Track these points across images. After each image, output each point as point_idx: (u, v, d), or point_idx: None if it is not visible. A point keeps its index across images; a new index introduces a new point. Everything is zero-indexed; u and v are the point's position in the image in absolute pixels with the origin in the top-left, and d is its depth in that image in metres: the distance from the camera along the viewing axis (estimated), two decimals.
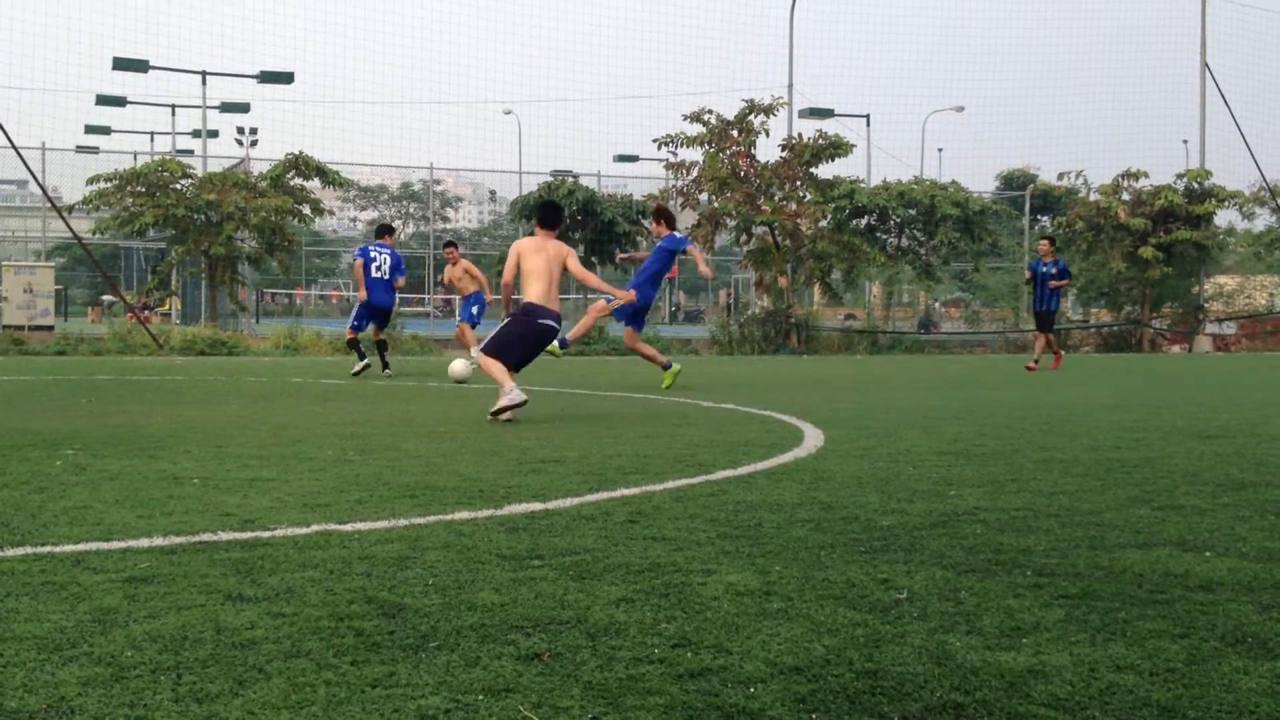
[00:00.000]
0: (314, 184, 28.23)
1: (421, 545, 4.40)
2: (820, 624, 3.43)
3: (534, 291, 9.62)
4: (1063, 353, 20.47)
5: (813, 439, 8.06)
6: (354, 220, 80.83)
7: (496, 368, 9.43)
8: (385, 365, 15.99)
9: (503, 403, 9.18)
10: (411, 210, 78.72)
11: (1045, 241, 19.82)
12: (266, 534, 4.61)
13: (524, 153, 52.41)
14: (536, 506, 5.28)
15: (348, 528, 4.75)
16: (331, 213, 39.78)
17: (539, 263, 9.62)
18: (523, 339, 9.69)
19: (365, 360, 15.67)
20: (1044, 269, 19.04)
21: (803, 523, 4.96)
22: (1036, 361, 18.84)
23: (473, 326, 19.07)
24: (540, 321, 9.67)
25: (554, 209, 10.18)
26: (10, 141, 21.73)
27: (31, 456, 6.79)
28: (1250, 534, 4.75)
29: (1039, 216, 43.53)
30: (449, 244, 19.99)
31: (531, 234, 9.97)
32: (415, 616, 3.44)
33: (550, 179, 32.95)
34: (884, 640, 3.28)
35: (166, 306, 34.96)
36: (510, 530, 4.73)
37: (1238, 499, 5.60)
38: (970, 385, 14.86)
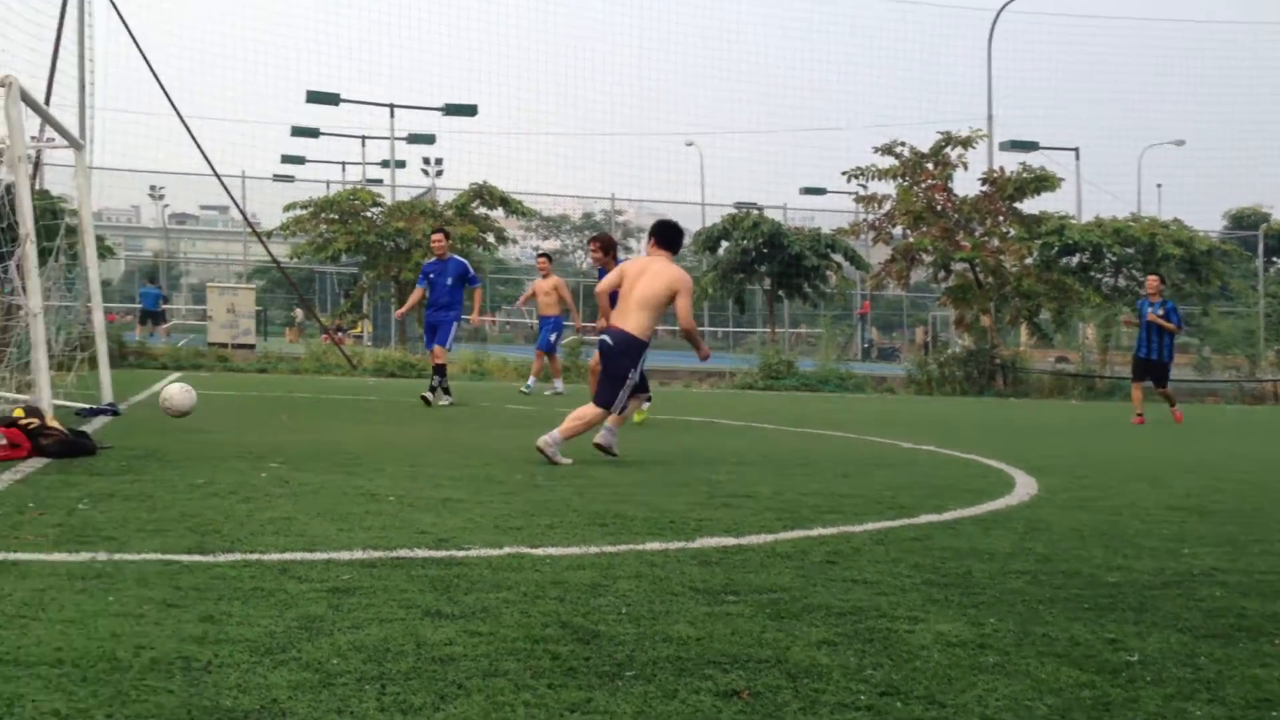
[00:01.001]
0: (498, 213, 29.05)
1: (613, 574, 4.43)
2: (1042, 682, 3.30)
3: (615, 312, 8.99)
4: (1180, 409, 17.27)
5: (1025, 486, 7.81)
6: (536, 249, 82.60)
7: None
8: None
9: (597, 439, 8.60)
10: None
11: (1154, 278, 17.10)
12: (461, 553, 4.73)
13: (706, 184, 52.70)
14: (729, 541, 5.25)
15: (539, 551, 4.82)
16: (515, 241, 40.77)
17: (630, 283, 8.81)
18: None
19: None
20: (1151, 308, 16.33)
21: (1018, 574, 4.79)
22: (1140, 415, 16.32)
23: (551, 354, 18.33)
24: (601, 339, 9.03)
25: (671, 229, 9.31)
26: (213, 169, 22.97)
27: (238, 468, 7.20)
28: None
29: (1274, 258, 41.55)
30: (543, 255, 19.76)
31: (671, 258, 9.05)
32: (610, 644, 3.45)
33: (734, 210, 33.05)
34: (1114, 704, 3.13)
35: (359, 329, 36.32)
36: (703, 563, 4.71)
37: None
38: (1201, 436, 14.21)
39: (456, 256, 15.26)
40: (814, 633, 3.70)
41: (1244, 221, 52.22)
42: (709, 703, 2.97)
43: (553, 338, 18.23)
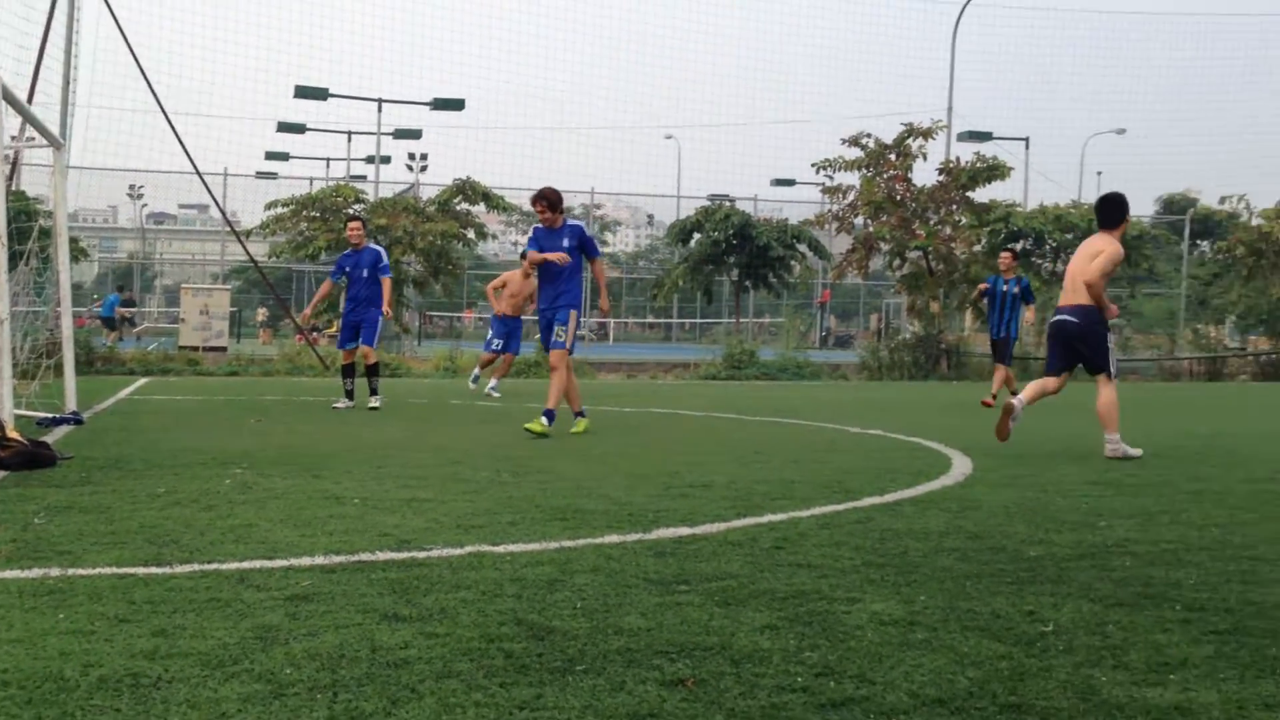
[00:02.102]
0: (479, 208, 28.71)
1: (571, 568, 4.47)
2: (965, 656, 3.38)
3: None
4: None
5: (961, 466, 7.92)
6: (516, 244, 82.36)
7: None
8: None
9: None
10: None
11: (1006, 254, 16.16)
12: (422, 554, 4.70)
13: (683, 177, 52.60)
14: (684, 531, 5.31)
15: (500, 549, 4.83)
16: (494, 236, 40.43)
17: (1074, 262, 9.00)
18: (1051, 344, 9.19)
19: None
20: (1004, 287, 15.58)
21: (949, 552, 4.88)
22: (994, 396, 15.29)
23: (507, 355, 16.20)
24: (1055, 319, 9.08)
25: (1112, 204, 9.04)
26: (195, 167, 21.91)
27: (202, 475, 7.00)
28: None
29: (1199, 241, 41.95)
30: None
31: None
32: (563, 639, 3.50)
33: (707, 202, 33.08)
34: (1029, 674, 3.22)
35: (335, 329, 35.94)
36: (658, 555, 4.77)
37: None
38: (1123, 414, 14.37)
39: (372, 245, 13.97)
40: (758, 618, 3.77)
41: (1174, 206, 52.66)
42: (655, 693, 3.03)
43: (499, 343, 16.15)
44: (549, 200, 10.26)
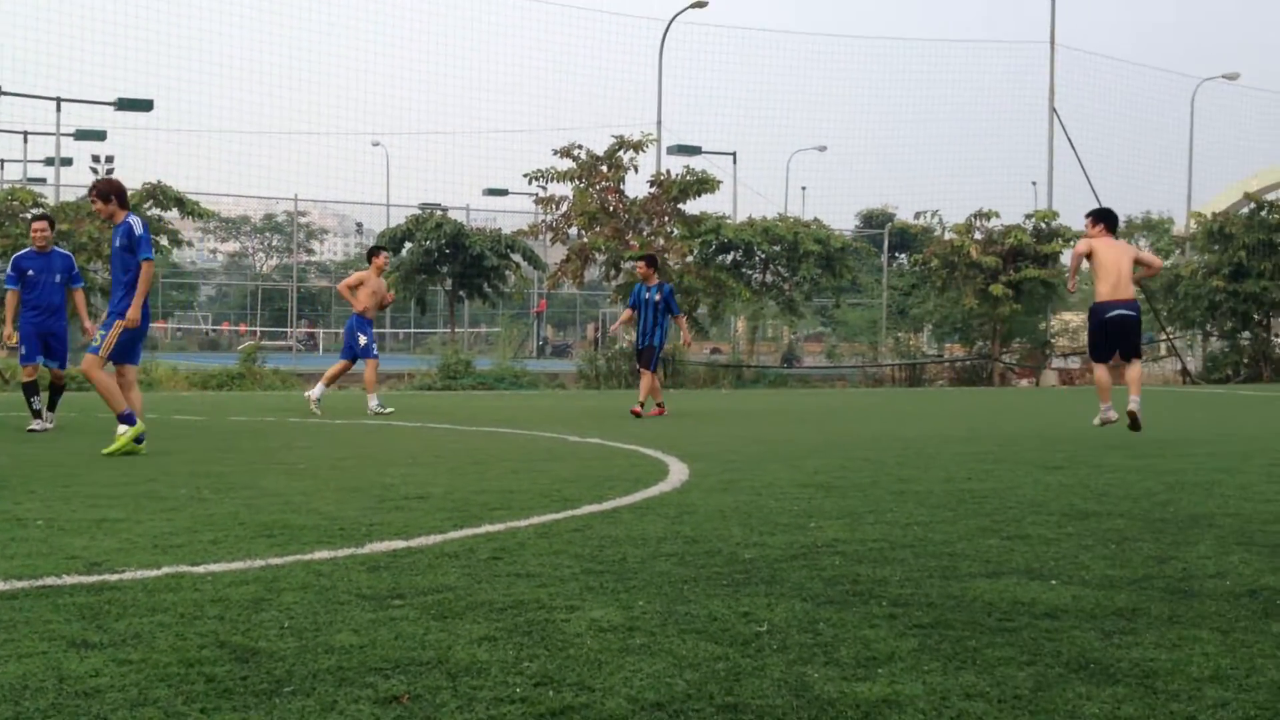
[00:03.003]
0: (173, 214, 27.44)
1: (278, 586, 4.30)
2: (682, 658, 3.44)
3: (1103, 290, 10.79)
4: (665, 406, 15.78)
5: (678, 473, 8.10)
6: (214, 252, 79.03)
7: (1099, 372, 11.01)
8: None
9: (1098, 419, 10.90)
10: (275, 243, 77.27)
11: (641, 264, 15.68)
12: (114, 577, 4.44)
13: (391, 185, 51.82)
14: (399, 544, 5.20)
15: (200, 569, 4.60)
16: (190, 244, 38.70)
17: (1109, 257, 10.79)
18: (1096, 335, 10.99)
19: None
20: (646, 295, 15.19)
21: (666, 557, 4.97)
22: (642, 404, 14.91)
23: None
24: (1107, 316, 10.80)
25: (1115, 216, 11.39)
26: None
27: None
28: (1093, 562, 4.91)
29: (897, 254, 44.63)
30: (381, 249, 16.75)
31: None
32: (269, 660, 3.35)
33: (418, 211, 32.67)
34: (744, 673, 3.30)
35: (14, 340, 33.57)
36: (371, 569, 4.65)
37: (1081, 528, 5.79)
38: (831, 419, 15.13)
39: (60, 249, 12.80)
40: (476, 630, 3.73)
41: (873, 220, 55.75)
42: (368, 711, 2.94)
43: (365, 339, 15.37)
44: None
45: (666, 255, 27.60)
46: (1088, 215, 11.46)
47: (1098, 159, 48.56)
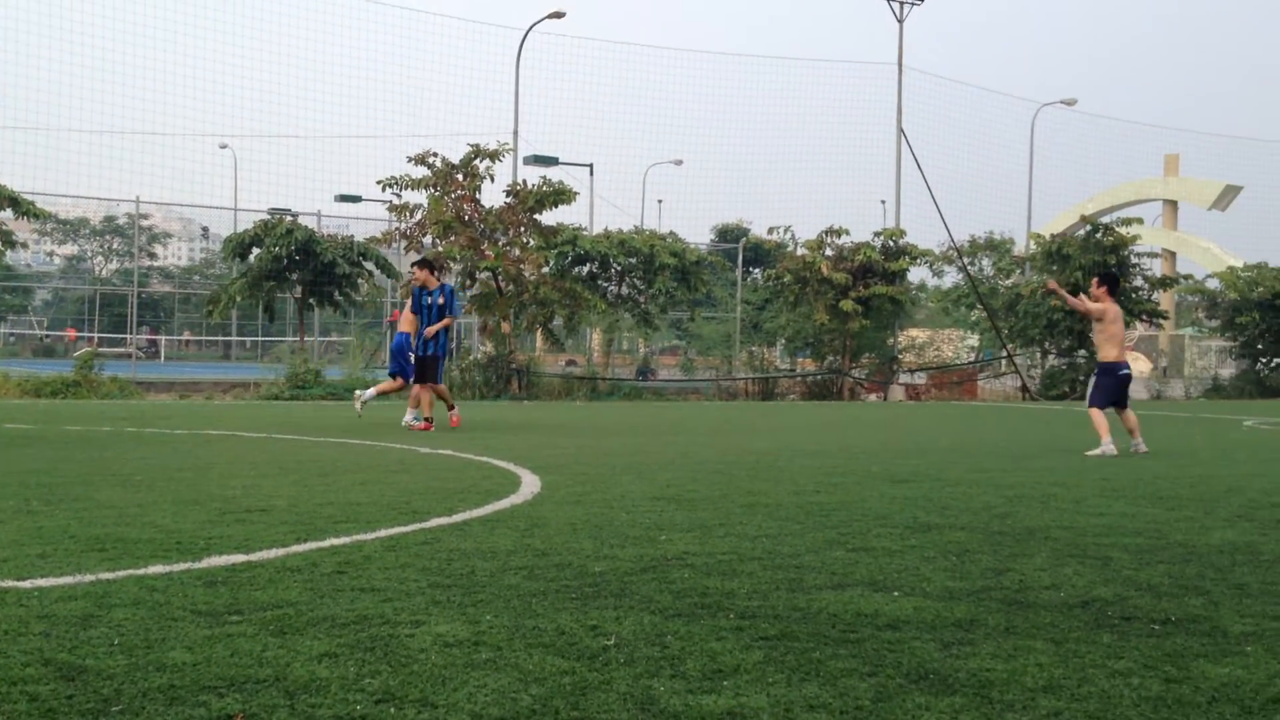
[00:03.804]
0: (6, 214, 26.33)
1: (109, 602, 4.14)
2: (529, 673, 3.41)
3: (1113, 353, 12.54)
4: (459, 412, 15.24)
5: (530, 485, 8.06)
6: (51, 255, 76.05)
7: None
8: None
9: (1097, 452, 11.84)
10: (116, 246, 74.70)
11: (418, 268, 14.78)
12: None
13: (240, 189, 50.53)
14: (239, 558, 5.06)
15: (26, 584, 4.41)
16: (25, 245, 37.13)
17: (1120, 324, 12.57)
18: (1112, 389, 12.59)
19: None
20: (427, 300, 14.38)
21: (516, 570, 4.94)
22: (430, 420, 14.33)
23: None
24: (1126, 371, 12.69)
25: (1115, 279, 13.07)
26: None
27: None
28: (934, 574, 5.04)
29: (751, 269, 45.28)
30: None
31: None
32: (97, 679, 3.23)
33: (267, 216, 31.90)
34: (590, 687, 3.29)
35: None
36: (208, 584, 4.52)
37: (924, 540, 5.94)
38: (684, 431, 15.23)
39: None
40: (316, 646, 3.65)
41: (728, 235, 56.47)
42: None
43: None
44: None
45: (523, 266, 27.50)
46: (1097, 278, 13.00)
47: (944, 179, 49.97)
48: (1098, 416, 12.38)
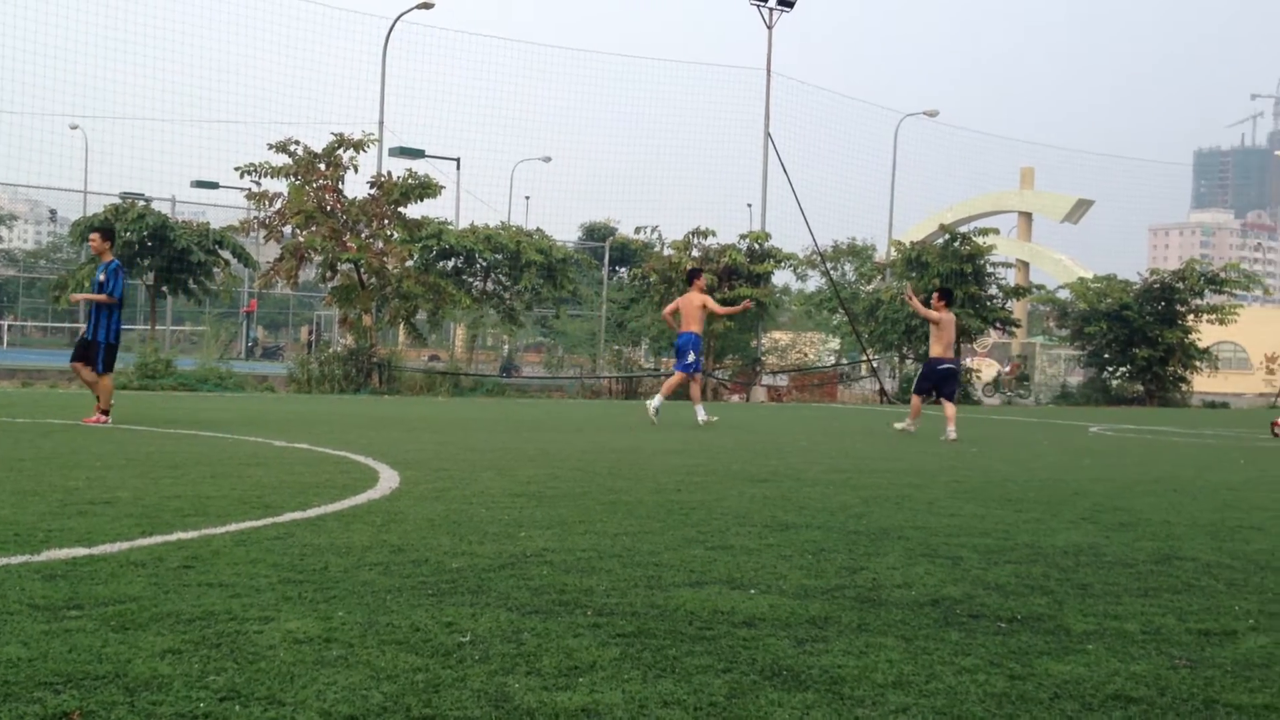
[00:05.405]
0: None
1: None
2: (380, 670, 3.36)
3: (937, 350, 15.32)
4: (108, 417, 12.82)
5: (388, 480, 7.95)
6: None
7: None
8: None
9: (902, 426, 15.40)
10: None
11: (95, 235, 13.36)
12: None
13: (91, 171, 48.73)
14: (80, 552, 4.89)
15: None
16: None
17: (951, 328, 15.32)
18: (927, 380, 15.61)
19: None
20: (102, 276, 13.01)
21: (371, 566, 4.86)
22: (107, 413, 12.80)
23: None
24: (946, 366, 15.36)
25: (950, 292, 15.94)
26: None
27: None
28: (790, 572, 5.11)
29: (617, 268, 45.39)
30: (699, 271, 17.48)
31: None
32: None
33: (119, 200, 30.88)
34: (444, 685, 3.26)
35: None
36: (47, 578, 4.35)
37: (781, 539, 6.02)
38: (547, 428, 15.20)
39: None
40: (159, 642, 3.54)
41: (595, 233, 56.54)
42: None
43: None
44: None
45: (386, 259, 27.09)
46: (938, 292, 15.58)
47: (809, 185, 50.81)
48: (915, 400, 15.64)
